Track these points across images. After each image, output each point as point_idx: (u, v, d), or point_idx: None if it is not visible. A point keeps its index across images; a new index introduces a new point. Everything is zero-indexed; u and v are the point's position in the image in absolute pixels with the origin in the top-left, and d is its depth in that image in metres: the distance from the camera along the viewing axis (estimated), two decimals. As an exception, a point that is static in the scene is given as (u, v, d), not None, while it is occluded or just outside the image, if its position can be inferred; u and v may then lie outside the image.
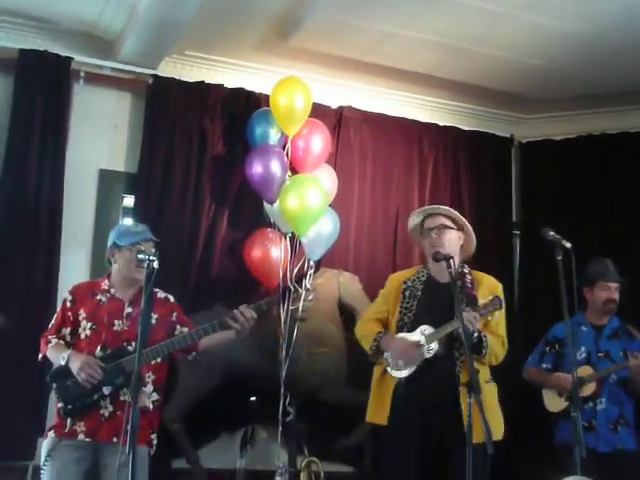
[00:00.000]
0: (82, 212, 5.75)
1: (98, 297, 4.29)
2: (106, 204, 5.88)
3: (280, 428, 5.59)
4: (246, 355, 5.55)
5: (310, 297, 5.79)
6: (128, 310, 4.24)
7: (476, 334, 4.32)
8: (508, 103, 6.94)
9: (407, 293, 4.59)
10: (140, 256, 3.88)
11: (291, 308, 5.71)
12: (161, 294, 4.38)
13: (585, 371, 5.03)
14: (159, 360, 4.19)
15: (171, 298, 4.43)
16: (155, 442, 4.25)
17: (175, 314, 4.37)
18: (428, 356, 4.38)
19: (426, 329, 4.42)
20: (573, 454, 3.85)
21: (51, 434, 4.12)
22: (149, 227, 4.47)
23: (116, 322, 4.21)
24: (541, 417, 5.29)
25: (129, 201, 5.92)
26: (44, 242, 5.45)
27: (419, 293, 4.58)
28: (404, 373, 4.41)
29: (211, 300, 5.71)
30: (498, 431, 4.32)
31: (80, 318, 4.24)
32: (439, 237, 4.57)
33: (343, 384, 5.83)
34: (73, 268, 5.56)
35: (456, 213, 4.70)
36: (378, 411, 4.49)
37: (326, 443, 5.78)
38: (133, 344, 4.07)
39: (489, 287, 4.60)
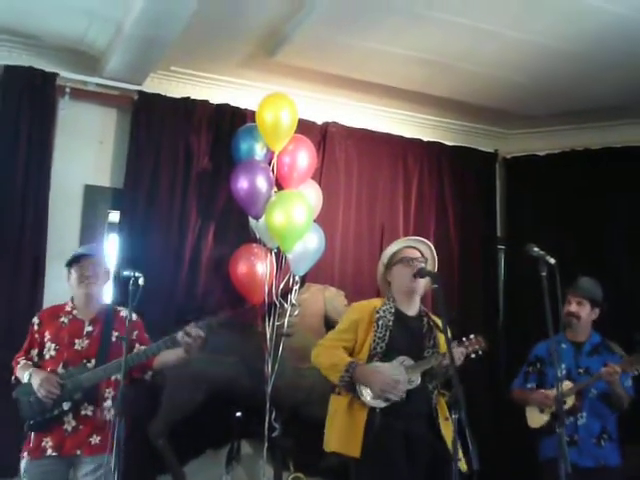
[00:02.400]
0: (67, 228, 5.74)
1: (61, 319, 4.42)
2: (91, 220, 5.86)
3: (266, 444, 5.61)
4: (231, 371, 5.56)
5: (296, 312, 5.81)
6: (88, 329, 4.38)
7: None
8: (492, 119, 6.99)
9: (380, 322, 4.52)
10: (125, 273, 3.96)
11: (277, 324, 5.72)
12: (123, 312, 4.47)
13: (565, 386, 5.05)
14: (119, 377, 4.20)
15: (134, 317, 4.41)
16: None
17: (136, 332, 4.41)
18: (410, 387, 4.37)
19: (405, 360, 4.42)
20: (557, 469, 3.84)
21: (25, 455, 4.25)
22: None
23: (76, 341, 4.34)
24: (525, 434, 5.30)
25: (114, 217, 5.91)
26: (29, 257, 5.43)
27: (391, 324, 4.52)
28: (383, 404, 4.37)
29: (197, 315, 5.69)
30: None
31: (45, 340, 4.39)
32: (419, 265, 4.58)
33: (329, 400, 5.83)
34: (58, 284, 5.48)
35: (432, 249, 4.74)
36: (348, 442, 4.36)
37: (312, 459, 5.74)
38: (92, 361, 4.28)
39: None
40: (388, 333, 4.50)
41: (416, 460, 4.33)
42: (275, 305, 5.78)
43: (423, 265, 4.53)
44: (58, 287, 5.45)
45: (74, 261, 4.43)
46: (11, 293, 5.36)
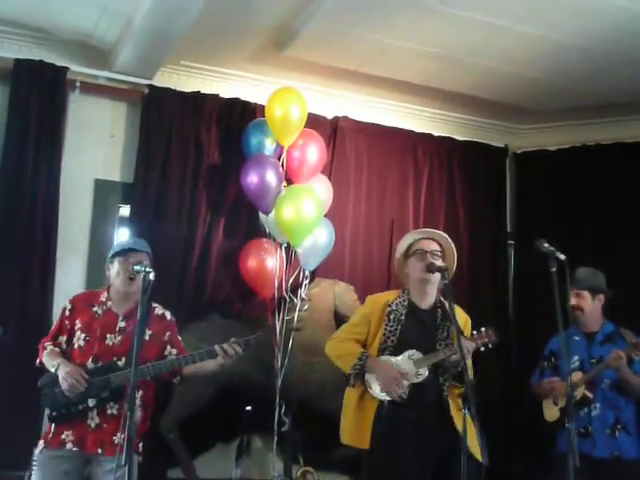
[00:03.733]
0: (78, 222, 5.75)
1: (95, 309, 4.30)
2: (102, 214, 5.87)
3: (275, 438, 5.61)
4: (242, 365, 5.53)
5: (305, 307, 5.82)
6: (121, 324, 4.26)
7: (462, 363, 4.29)
8: (502, 113, 6.97)
9: (392, 316, 4.52)
10: (136, 267, 3.92)
11: (286, 318, 5.73)
12: (159, 310, 4.39)
13: (576, 376, 5.04)
14: (147, 378, 4.18)
15: (168, 315, 4.42)
16: (141, 449, 4.25)
17: (168, 333, 4.37)
18: (416, 381, 4.36)
19: (413, 354, 4.40)
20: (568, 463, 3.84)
21: (41, 444, 4.16)
22: (145, 239, 4.49)
23: (108, 336, 4.23)
24: (541, 428, 5.29)
25: (125, 211, 5.92)
26: (40, 252, 5.43)
27: (403, 318, 4.52)
28: (389, 397, 4.38)
29: (207, 310, 5.73)
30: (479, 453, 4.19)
31: (76, 328, 4.27)
32: (433, 259, 4.56)
33: (339, 394, 5.82)
34: (69, 278, 5.56)
35: (449, 241, 4.68)
36: (359, 434, 4.39)
37: (322, 452, 5.76)
38: (123, 359, 4.15)
39: (460, 319, 4.55)
40: (399, 327, 4.49)
41: (425, 450, 4.32)
42: (285, 300, 5.79)
43: (433, 261, 4.50)
44: (69, 281, 5.51)
45: (120, 254, 4.31)
46: (23, 287, 5.36)
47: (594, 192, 6.78)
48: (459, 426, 4.12)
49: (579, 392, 4.98)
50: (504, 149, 7.17)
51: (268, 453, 5.77)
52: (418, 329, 4.52)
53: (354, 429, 4.44)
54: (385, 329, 4.51)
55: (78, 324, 4.27)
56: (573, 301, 5.21)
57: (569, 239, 5.72)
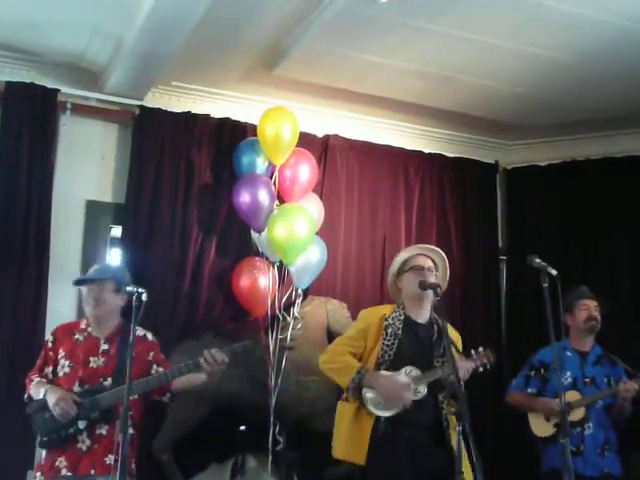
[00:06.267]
0: (70, 243, 5.75)
1: (76, 336, 4.40)
2: (93, 235, 5.88)
3: (270, 457, 5.58)
4: (235, 384, 5.55)
5: (298, 325, 5.81)
6: (104, 347, 4.35)
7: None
8: (493, 130, 7.01)
9: (389, 330, 4.52)
10: (128, 289, 3.93)
11: (280, 337, 5.72)
12: (140, 332, 4.42)
13: (573, 396, 5.06)
14: (136, 397, 4.23)
15: (149, 336, 4.46)
16: (134, 472, 4.32)
17: (152, 353, 4.42)
18: (415, 398, 4.36)
19: (411, 370, 4.40)
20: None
21: (39, 475, 4.20)
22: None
23: (92, 359, 4.30)
24: (526, 443, 5.29)
25: (117, 232, 5.92)
26: (32, 274, 5.43)
27: (400, 332, 4.52)
28: (387, 413, 4.37)
29: (200, 329, 5.72)
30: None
31: (59, 357, 4.36)
32: (428, 276, 4.56)
33: (333, 412, 5.81)
34: (61, 299, 5.55)
35: (442, 255, 4.72)
36: (354, 449, 4.39)
37: (316, 471, 5.74)
38: (109, 380, 4.24)
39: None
40: (397, 342, 4.49)
41: (421, 470, 4.30)
42: (278, 318, 5.79)
43: (425, 278, 4.51)
44: (61, 304, 5.50)
45: (78, 283, 4.47)
46: (14, 309, 5.36)
47: (585, 207, 6.80)
48: (455, 446, 4.13)
49: (578, 413, 5.00)
50: (494, 165, 7.19)
51: (263, 473, 5.73)
52: (415, 344, 4.53)
53: (349, 444, 4.43)
54: (383, 343, 4.51)
55: (61, 353, 4.36)
56: (594, 312, 5.26)
57: (560, 254, 5.74)
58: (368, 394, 4.41)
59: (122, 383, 3.98)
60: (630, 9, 4.91)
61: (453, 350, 4.16)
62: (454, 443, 4.21)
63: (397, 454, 4.31)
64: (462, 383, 4.10)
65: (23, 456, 5.07)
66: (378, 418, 4.37)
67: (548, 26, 5.12)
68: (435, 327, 4.58)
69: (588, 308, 5.30)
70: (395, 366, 4.44)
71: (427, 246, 4.91)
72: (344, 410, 4.55)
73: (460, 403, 3.83)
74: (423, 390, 4.36)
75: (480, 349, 4.52)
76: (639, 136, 6.77)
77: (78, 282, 4.47)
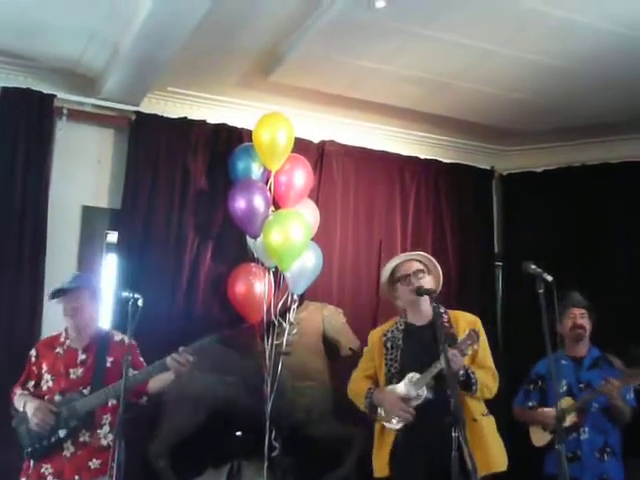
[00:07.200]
0: (65, 248, 5.73)
1: (57, 350, 4.46)
2: (89, 241, 5.87)
3: (266, 463, 5.57)
4: (231, 390, 5.54)
5: (294, 331, 5.80)
6: (82, 357, 4.41)
7: (462, 371, 4.31)
8: (488, 136, 7.02)
9: (389, 345, 4.56)
10: (124, 294, 3.96)
11: (275, 342, 5.72)
12: (117, 337, 4.51)
13: (566, 402, 5.05)
14: (114, 402, 4.26)
15: (126, 340, 4.42)
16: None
17: (130, 358, 4.38)
18: (418, 402, 4.33)
19: (413, 376, 4.38)
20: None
21: None
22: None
23: (71, 370, 4.37)
24: (528, 449, 5.28)
25: (113, 237, 5.92)
26: (28, 279, 5.42)
27: (400, 342, 4.54)
28: (399, 425, 4.37)
29: (195, 335, 5.70)
30: (502, 462, 4.33)
31: (43, 371, 4.43)
32: (417, 280, 4.56)
33: (329, 418, 5.81)
34: (56, 305, 5.50)
35: (429, 257, 4.71)
36: (378, 463, 4.45)
37: (313, 477, 5.74)
38: (89, 388, 4.30)
39: (468, 323, 4.56)
40: (399, 353, 4.51)
41: (438, 474, 4.29)
42: (274, 324, 5.78)
43: (420, 284, 4.50)
44: (56, 309, 5.44)
45: (55, 295, 4.48)
46: (10, 315, 5.36)
47: (581, 213, 6.81)
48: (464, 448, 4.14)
49: (570, 419, 4.99)
50: (490, 171, 7.22)
51: (258, 478, 5.72)
52: (417, 349, 4.51)
53: (377, 460, 4.49)
54: (386, 358, 4.54)
55: (44, 367, 4.43)
56: (580, 320, 5.26)
57: (556, 260, 5.73)
58: (380, 411, 4.46)
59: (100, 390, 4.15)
60: (626, 16, 4.93)
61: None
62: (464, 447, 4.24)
63: (414, 463, 4.30)
64: (457, 378, 4.18)
65: (14, 464, 5.05)
66: (398, 431, 4.39)
67: (544, 32, 5.14)
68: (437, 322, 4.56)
69: (574, 317, 5.31)
70: (403, 376, 4.45)
71: (408, 253, 4.91)
72: (375, 427, 4.58)
73: (454, 411, 3.82)
74: (423, 392, 4.35)
75: (466, 333, 4.47)
76: (635, 142, 6.79)
77: (54, 294, 4.47)
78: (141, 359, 4.48)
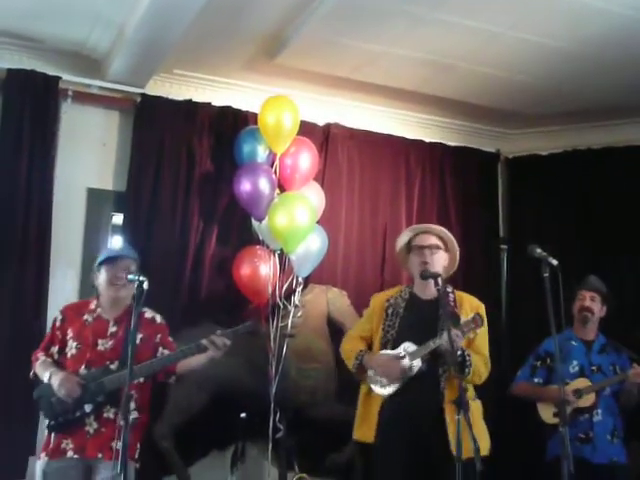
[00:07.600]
0: (71, 231, 5.74)
1: (85, 317, 4.35)
2: (95, 223, 5.88)
3: (270, 444, 5.61)
4: (236, 372, 5.56)
5: (299, 313, 5.82)
6: (112, 329, 4.31)
7: (460, 352, 4.33)
8: (494, 119, 7.00)
9: (390, 311, 4.62)
10: (130, 277, 3.95)
11: (280, 325, 5.74)
12: (149, 314, 4.43)
13: (583, 382, 5.08)
14: (142, 380, 4.24)
15: (158, 319, 4.46)
16: (137, 457, 4.30)
17: (159, 336, 4.41)
18: (411, 374, 4.39)
19: (409, 346, 4.44)
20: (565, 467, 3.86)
21: (43, 456, 4.18)
22: (133, 246, 4.54)
23: (100, 341, 4.27)
24: (530, 432, 5.30)
25: (118, 219, 5.92)
26: (33, 262, 5.43)
27: (402, 311, 4.60)
28: (388, 390, 4.43)
29: (200, 317, 5.72)
30: (485, 447, 4.35)
31: (68, 337, 4.32)
32: (430, 256, 4.58)
33: (333, 400, 5.84)
34: (62, 287, 5.56)
35: (448, 234, 4.72)
36: (365, 429, 4.51)
37: (317, 459, 5.77)
38: (116, 363, 4.20)
39: (472, 306, 4.61)
40: (398, 320, 4.57)
41: (419, 445, 4.34)
42: (279, 306, 5.80)
43: (427, 267, 4.51)
44: (62, 290, 5.51)
45: (107, 261, 4.36)
46: (16, 297, 5.35)
47: (586, 196, 6.80)
48: (449, 422, 4.21)
49: (589, 399, 5.01)
50: (496, 154, 7.19)
51: (263, 460, 5.77)
52: (417, 320, 4.57)
53: (361, 424, 4.56)
54: (384, 324, 4.60)
55: (70, 333, 4.32)
56: (587, 302, 5.30)
57: (561, 244, 5.73)
58: (369, 373, 4.51)
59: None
60: (634, -3, 4.90)
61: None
62: (447, 418, 4.29)
63: (395, 432, 4.37)
64: (459, 357, 4.27)
65: (25, 442, 5.10)
66: (385, 398, 4.43)
67: (551, 14, 5.10)
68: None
69: (583, 299, 5.34)
70: (398, 344, 4.50)
71: (428, 225, 4.93)
72: (361, 390, 4.64)
73: (459, 391, 3.85)
74: (418, 364, 4.38)
75: (470, 316, 4.49)
76: (640, 126, 6.76)
77: (106, 260, 4.34)
78: (170, 339, 4.45)
